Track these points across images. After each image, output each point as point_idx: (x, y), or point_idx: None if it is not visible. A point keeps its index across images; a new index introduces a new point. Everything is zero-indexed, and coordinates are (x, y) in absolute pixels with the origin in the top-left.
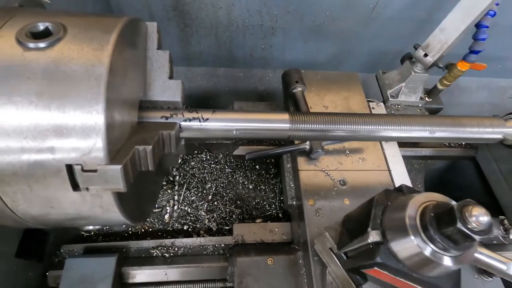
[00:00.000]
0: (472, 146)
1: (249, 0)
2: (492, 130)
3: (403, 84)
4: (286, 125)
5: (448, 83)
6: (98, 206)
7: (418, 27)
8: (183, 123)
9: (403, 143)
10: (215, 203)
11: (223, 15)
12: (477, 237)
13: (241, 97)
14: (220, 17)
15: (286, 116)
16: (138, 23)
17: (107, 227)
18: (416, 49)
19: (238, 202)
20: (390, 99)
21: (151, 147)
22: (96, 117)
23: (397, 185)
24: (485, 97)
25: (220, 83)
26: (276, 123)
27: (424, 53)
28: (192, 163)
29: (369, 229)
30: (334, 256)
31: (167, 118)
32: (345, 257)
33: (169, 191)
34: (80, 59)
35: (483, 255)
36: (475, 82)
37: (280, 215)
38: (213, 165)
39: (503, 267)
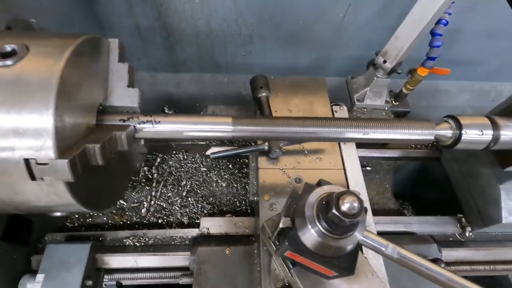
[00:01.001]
0: (437, 147)
1: (226, 11)
2: (421, 132)
3: (368, 88)
4: (229, 127)
5: (411, 88)
6: (54, 194)
7: (388, 34)
8: (138, 126)
9: (371, 145)
10: (189, 199)
11: (203, 25)
12: (347, 220)
13: (226, 101)
14: (200, 27)
15: (229, 119)
16: (99, 40)
17: (90, 219)
18: (377, 55)
19: (211, 198)
20: (357, 103)
21: (99, 145)
22: (46, 120)
23: (351, 183)
24: (467, 100)
25: (205, 88)
26: (220, 125)
27: (383, 59)
28: (170, 162)
29: (281, 216)
30: (272, 244)
31: (124, 121)
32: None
33: (147, 187)
34: (37, 73)
35: (368, 238)
36: (456, 85)
37: (249, 211)
38: (189, 164)
39: (382, 248)
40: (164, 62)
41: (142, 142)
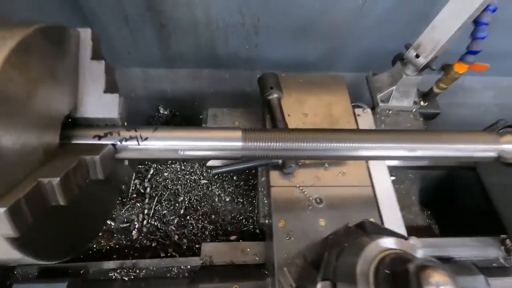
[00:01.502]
0: None
1: None
2: (484, 147)
3: (394, 87)
4: (238, 144)
5: (445, 86)
6: None
7: (413, 24)
8: (118, 144)
9: None
10: (188, 217)
11: (201, 14)
12: None
13: (227, 100)
14: (198, 16)
15: (238, 133)
16: (64, 31)
17: None
18: (407, 49)
19: (213, 216)
20: (380, 104)
21: (59, 178)
22: None
23: (381, 204)
24: (492, 97)
25: (204, 85)
26: (227, 141)
27: (415, 53)
28: (165, 174)
29: (318, 278)
30: None
31: (100, 137)
32: None
33: (139, 204)
34: None
35: None
36: (481, 81)
37: (258, 231)
38: (187, 176)
39: None
40: (158, 56)
41: (126, 162)
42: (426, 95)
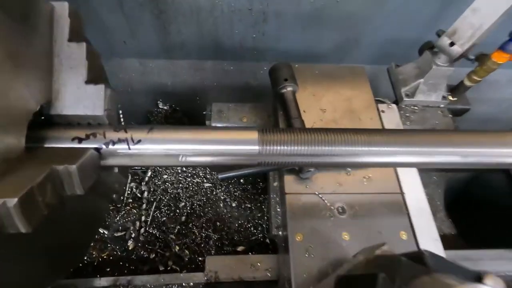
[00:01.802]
0: None
1: None
2: None
3: (422, 80)
4: (254, 148)
5: (478, 79)
6: None
7: (441, 10)
8: (104, 148)
9: None
10: (190, 225)
11: None
12: None
13: (231, 94)
14: (201, 1)
15: (253, 134)
16: (29, 2)
17: None
18: (439, 36)
19: (218, 224)
20: (405, 98)
21: (15, 200)
22: None
23: (413, 214)
24: None
25: (207, 78)
26: (240, 144)
27: (450, 41)
28: (165, 176)
29: None
30: None
31: (80, 140)
32: None
33: (135, 210)
34: None
35: None
36: (506, 74)
37: (268, 240)
38: (189, 179)
39: None
40: (157, 46)
41: (116, 170)
42: (454, 89)
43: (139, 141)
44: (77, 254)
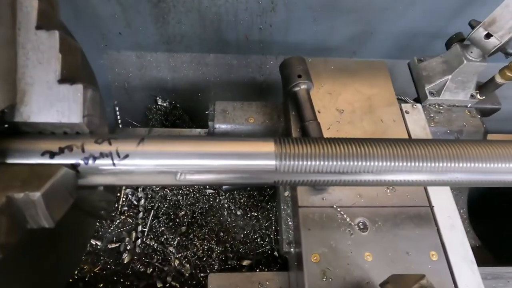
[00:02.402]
0: None
1: None
2: None
3: (449, 76)
4: (270, 163)
5: None
6: None
7: (464, 0)
8: (82, 164)
9: None
10: (190, 236)
11: None
12: None
13: (236, 90)
14: None
15: (270, 146)
16: None
17: None
18: (473, 27)
19: (221, 234)
20: (429, 97)
21: None
22: None
23: (443, 230)
24: None
25: (209, 72)
26: (251, 159)
27: (486, 32)
28: None
29: None
30: None
31: (52, 155)
32: None
33: (130, 219)
34: None
35: None
36: None
37: (276, 253)
38: (190, 185)
39: None
40: (155, 38)
41: (101, 188)
42: (483, 87)
43: (126, 156)
44: (62, 278)
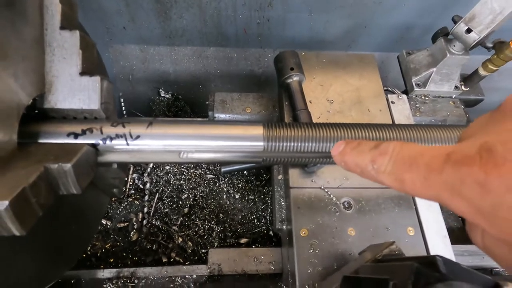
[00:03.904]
0: None
1: None
2: None
3: (434, 69)
4: (259, 144)
5: (494, 68)
6: None
7: None
8: (101, 143)
9: None
10: (192, 217)
11: None
12: None
13: (235, 82)
14: None
15: (259, 129)
16: None
17: None
18: (455, 22)
19: (221, 215)
20: (416, 88)
21: (6, 203)
22: None
23: (421, 208)
24: None
25: (210, 65)
26: (244, 140)
27: (467, 27)
28: (167, 167)
29: None
30: None
31: (76, 136)
32: None
33: (137, 201)
34: None
35: None
36: None
37: (271, 233)
38: (192, 170)
39: None
40: (158, 32)
41: (115, 165)
42: (467, 79)
43: (138, 137)
44: (79, 249)
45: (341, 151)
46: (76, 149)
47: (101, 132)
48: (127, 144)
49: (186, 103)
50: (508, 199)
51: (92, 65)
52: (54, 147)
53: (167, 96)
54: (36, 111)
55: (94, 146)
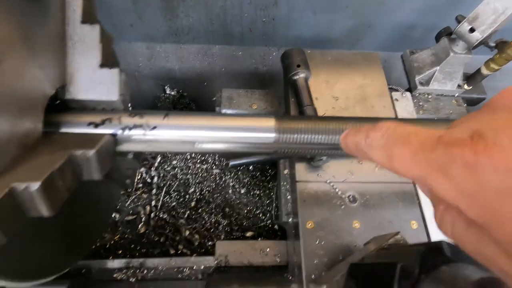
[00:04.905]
0: None
1: None
2: None
3: (438, 68)
4: (271, 135)
5: (497, 67)
6: None
7: None
8: (119, 133)
9: None
10: (199, 211)
11: None
12: None
13: (240, 80)
14: None
15: (271, 121)
16: None
17: None
18: (459, 22)
19: (227, 209)
20: (419, 86)
21: (40, 182)
22: None
23: (424, 203)
24: None
25: (215, 63)
26: (256, 132)
27: (470, 27)
28: (174, 162)
29: None
30: None
31: (96, 125)
32: None
33: (145, 195)
34: None
35: None
36: None
37: (276, 227)
38: (198, 165)
39: None
40: (164, 30)
41: (131, 155)
42: (470, 78)
43: (154, 127)
44: (92, 239)
45: (345, 134)
46: (97, 138)
47: (120, 122)
48: (144, 134)
49: (191, 100)
50: (494, 179)
51: (110, 58)
52: (76, 136)
53: (173, 93)
54: (57, 102)
55: (113, 135)
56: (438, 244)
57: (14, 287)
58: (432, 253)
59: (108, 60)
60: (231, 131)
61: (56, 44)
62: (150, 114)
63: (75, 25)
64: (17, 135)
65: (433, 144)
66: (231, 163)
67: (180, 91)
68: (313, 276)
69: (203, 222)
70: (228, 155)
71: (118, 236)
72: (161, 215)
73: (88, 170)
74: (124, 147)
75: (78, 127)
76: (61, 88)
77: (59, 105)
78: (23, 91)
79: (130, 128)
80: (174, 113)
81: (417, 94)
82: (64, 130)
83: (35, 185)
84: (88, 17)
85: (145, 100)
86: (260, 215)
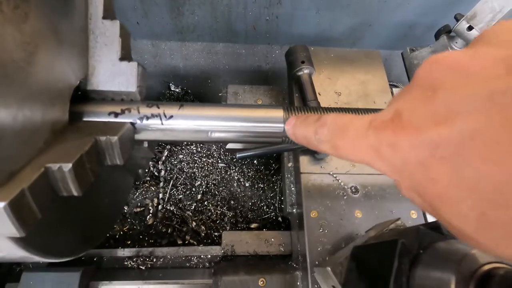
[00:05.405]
0: None
1: None
2: None
3: None
4: (279, 125)
5: None
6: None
7: None
8: (138, 122)
9: None
10: (205, 203)
11: None
12: None
13: (243, 77)
14: None
15: (279, 112)
16: None
17: None
18: (457, 20)
19: (232, 202)
20: None
21: (71, 164)
22: None
23: None
24: None
25: (219, 61)
26: (265, 122)
27: (468, 25)
28: (181, 156)
29: None
30: None
31: (116, 115)
32: None
33: (153, 188)
34: None
35: None
36: None
37: (280, 219)
38: (204, 159)
39: None
40: (169, 27)
41: (146, 144)
42: None
43: (171, 117)
44: (107, 227)
45: (292, 124)
46: (118, 126)
47: (138, 112)
48: (162, 123)
49: (195, 97)
50: (412, 155)
51: (128, 51)
52: (100, 124)
53: (177, 90)
54: (79, 92)
55: (132, 124)
56: (437, 224)
57: (39, 260)
58: (431, 231)
59: (128, 54)
60: (242, 121)
61: (80, 38)
62: (166, 105)
63: (97, 20)
64: (49, 122)
65: (365, 131)
66: (238, 155)
67: (185, 88)
68: (317, 263)
69: (209, 214)
70: (233, 150)
71: (127, 227)
72: (168, 207)
73: (111, 155)
74: (142, 136)
75: (99, 116)
76: (84, 79)
77: (79, 96)
78: (53, 81)
79: (148, 118)
80: (188, 104)
81: None
82: (86, 119)
83: (67, 166)
84: (109, 13)
85: (150, 97)
86: (264, 207)
